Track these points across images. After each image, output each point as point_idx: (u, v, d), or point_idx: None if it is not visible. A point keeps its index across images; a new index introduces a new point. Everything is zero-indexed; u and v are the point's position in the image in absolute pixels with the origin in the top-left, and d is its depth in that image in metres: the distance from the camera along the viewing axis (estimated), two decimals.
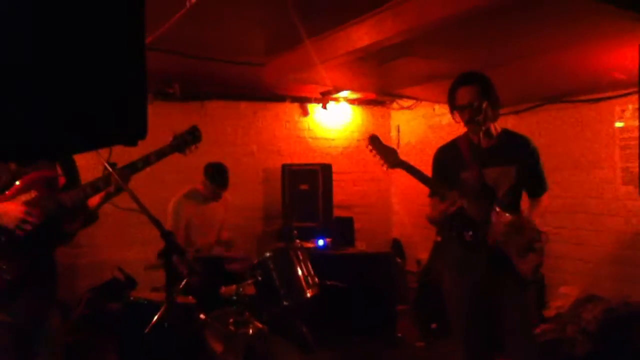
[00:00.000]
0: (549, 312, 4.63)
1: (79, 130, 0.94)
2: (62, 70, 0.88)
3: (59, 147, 1.10)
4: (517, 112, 5.36)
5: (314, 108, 6.60)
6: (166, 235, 2.26)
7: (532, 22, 3.31)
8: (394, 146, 2.89)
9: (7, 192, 2.30)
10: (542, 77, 4.59)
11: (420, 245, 6.22)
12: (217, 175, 4.29)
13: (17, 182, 2.32)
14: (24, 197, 2.30)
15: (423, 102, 6.52)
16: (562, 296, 4.77)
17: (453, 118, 2.92)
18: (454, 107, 2.87)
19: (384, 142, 2.88)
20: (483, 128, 2.77)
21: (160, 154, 2.61)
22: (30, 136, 0.91)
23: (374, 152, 2.83)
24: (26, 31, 0.86)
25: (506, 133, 2.94)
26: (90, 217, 2.59)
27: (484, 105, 2.77)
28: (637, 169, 4.15)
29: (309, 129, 6.63)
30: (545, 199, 2.99)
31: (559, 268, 5.01)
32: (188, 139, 2.74)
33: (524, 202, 2.96)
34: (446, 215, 2.76)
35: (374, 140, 2.85)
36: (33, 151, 1.08)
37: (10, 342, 2.25)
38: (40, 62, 0.86)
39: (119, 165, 2.46)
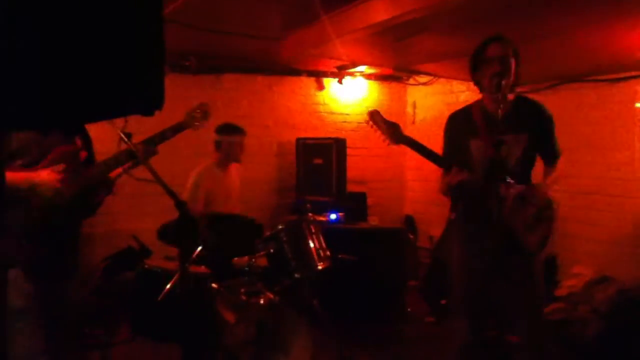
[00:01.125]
0: (561, 292, 4.63)
1: (96, 99, 0.95)
2: (81, 39, 0.89)
3: (77, 115, 1.12)
4: (537, 91, 5.29)
5: (330, 82, 6.57)
6: (180, 204, 2.29)
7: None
8: (410, 122, 2.85)
9: (38, 166, 2.34)
10: (563, 56, 4.51)
11: (434, 222, 6.22)
12: (224, 128, 4.33)
13: (50, 153, 2.36)
14: (55, 169, 2.34)
15: (440, 79, 6.46)
16: (575, 276, 4.76)
17: (476, 79, 2.86)
18: (482, 61, 2.78)
19: (399, 117, 2.86)
20: (504, 85, 2.68)
21: (176, 129, 2.69)
22: (48, 104, 0.92)
23: (374, 127, 2.79)
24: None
25: (519, 100, 2.89)
26: (109, 188, 2.63)
27: (513, 62, 2.72)
28: None
29: (324, 104, 6.61)
30: (559, 164, 2.94)
31: (573, 248, 4.99)
32: (195, 115, 2.81)
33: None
34: (451, 187, 2.75)
35: (373, 116, 2.79)
36: (51, 119, 1.10)
37: (37, 310, 2.30)
38: (59, 30, 0.87)
39: (135, 136, 2.48)
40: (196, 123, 2.80)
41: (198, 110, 2.82)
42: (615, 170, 4.89)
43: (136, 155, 2.46)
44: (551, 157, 2.93)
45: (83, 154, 2.51)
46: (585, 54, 4.38)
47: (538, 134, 2.82)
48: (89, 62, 0.91)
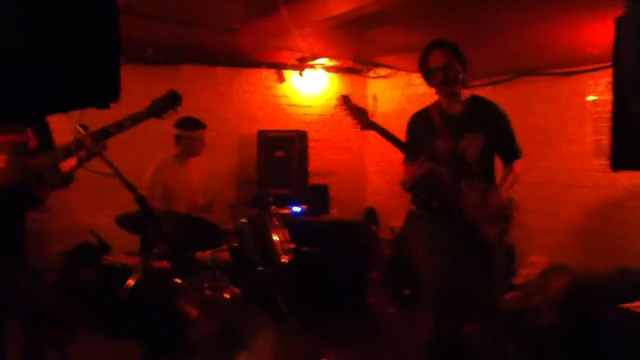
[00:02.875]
0: (518, 280, 4.74)
1: (51, 92, 0.93)
2: (33, 31, 0.87)
3: (31, 109, 1.09)
4: (492, 84, 5.39)
5: (291, 75, 6.55)
6: (139, 198, 2.26)
7: None
8: (370, 115, 2.88)
9: None
10: (517, 50, 4.61)
11: (395, 214, 6.28)
12: (184, 122, 4.21)
13: None
14: None
15: (400, 72, 6.51)
16: (531, 265, 4.88)
17: (428, 84, 2.94)
18: (427, 71, 2.89)
19: None
20: (454, 90, 2.79)
21: (135, 119, 2.54)
22: (3, 96, 0.90)
23: (347, 112, 2.83)
24: None
25: (475, 99, 2.98)
26: (63, 180, 2.54)
27: (456, 68, 2.79)
28: (607, 142, 4.23)
29: (285, 96, 6.59)
30: (518, 166, 3.02)
31: (529, 238, 5.11)
32: (167, 104, 2.68)
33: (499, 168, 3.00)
34: (415, 178, 2.79)
35: (345, 100, 2.85)
36: (4, 112, 1.07)
37: None
38: (12, 22, 0.85)
39: (92, 128, 2.42)
40: (164, 114, 2.68)
41: (167, 100, 2.69)
42: (568, 161, 5.03)
43: (84, 146, 2.37)
44: (509, 156, 3.01)
45: (32, 144, 2.42)
46: (538, 48, 4.48)
47: (494, 133, 2.90)
48: (43, 54, 0.89)
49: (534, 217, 5.13)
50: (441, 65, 2.81)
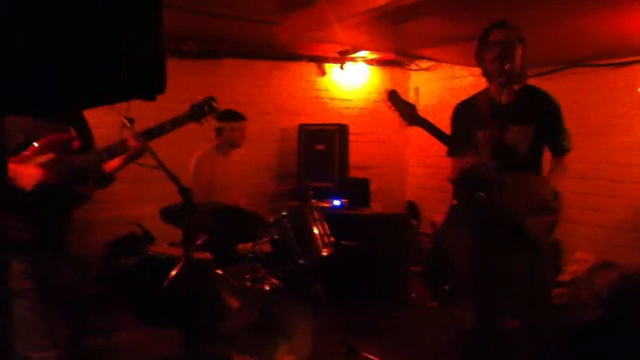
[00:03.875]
0: (564, 277, 4.64)
1: (97, 83, 0.94)
2: (80, 22, 0.88)
3: (77, 100, 1.11)
4: (538, 75, 5.25)
5: (332, 68, 6.53)
6: (183, 190, 2.29)
7: None
8: None
9: (24, 152, 2.31)
10: (565, 41, 4.47)
11: (436, 208, 6.22)
12: (225, 114, 4.27)
13: (35, 144, 2.33)
14: (41, 159, 2.32)
15: (442, 64, 6.42)
16: (578, 262, 4.76)
17: (479, 64, 2.84)
18: (484, 46, 2.77)
19: None
20: (507, 69, 2.65)
21: (177, 123, 2.61)
22: (48, 88, 0.91)
23: (392, 108, 2.77)
24: None
25: (527, 89, 2.85)
26: (105, 179, 2.61)
27: (518, 48, 2.70)
28: None
29: (326, 89, 6.58)
30: (567, 159, 2.92)
31: (575, 234, 4.98)
32: (205, 109, 2.72)
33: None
34: (461, 173, 2.73)
35: (392, 95, 2.78)
36: (50, 103, 1.09)
37: (34, 290, 2.32)
38: (59, 14, 0.86)
39: (137, 121, 2.46)
40: (203, 119, 2.73)
41: (205, 104, 2.73)
42: (617, 155, 4.87)
43: (131, 147, 2.44)
44: (559, 149, 2.90)
45: (76, 143, 2.48)
46: (588, 38, 4.34)
47: (545, 126, 2.79)
48: (90, 46, 0.90)
49: (581, 213, 4.99)
50: (501, 39, 2.69)
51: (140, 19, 0.94)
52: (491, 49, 2.73)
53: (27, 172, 2.26)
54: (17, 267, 2.26)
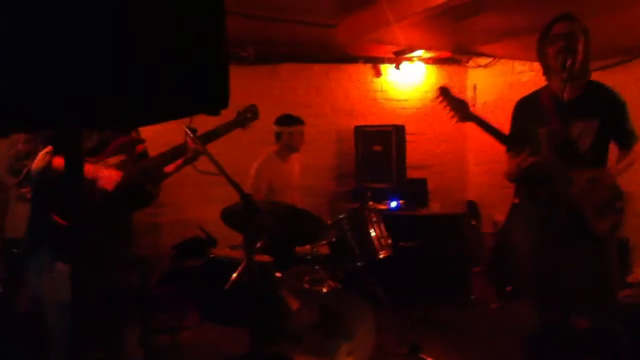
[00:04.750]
0: (635, 277, 4.45)
1: (165, 100, 0.98)
2: (145, 39, 0.92)
3: (146, 116, 1.16)
4: (604, 68, 5.06)
5: (387, 68, 6.50)
6: (245, 197, 2.35)
7: None
8: (471, 106, 2.79)
9: (99, 156, 2.41)
10: (632, 30, 4.29)
11: (497, 207, 6.09)
12: (283, 119, 4.40)
13: (112, 143, 2.44)
14: (114, 160, 2.42)
15: (501, 60, 6.27)
16: None
17: (540, 60, 2.78)
18: (547, 39, 2.70)
19: None
20: (570, 64, 2.57)
21: (227, 128, 2.77)
22: (118, 105, 0.96)
23: (444, 103, 2.76)
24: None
25: (591, 84, 2.77)
26: (161, 180, 2.70)
27: (582, 41, 2.62)
28: None
29: (382, 90, 6.55)
30: (637, 149, 2.80)
31: None
32: (247, 116, 2.92)
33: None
34: (520, 170, 2.68)
35: (444, 92, 2.77)
36: (124, 119, 1.15)
37: (96, 299, 2.40)
38: (127, 32, 0.90)
39: (200, 128, 2.55)
40: (246, 124, 2.92)
41: (248, 111, 2.93)
42: None
43: (190, 150, 2.54)
44: (625, 143, 2.81)
45: (139, 147, 2.59)
46: None
47: (610, 121, 2.71)
48: (156, 62, 0.94)
49: None
50: (564, 32, 2.63)
51: (205, 35, 0.97)
52: (554, 42, 2.66)
53: (107, 174, 2.35)
54: (64, 269, 2.27)
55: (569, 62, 2.60)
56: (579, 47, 2.62)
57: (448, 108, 2.75)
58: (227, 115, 2.65)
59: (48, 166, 2.25)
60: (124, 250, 2.61)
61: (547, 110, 2.74)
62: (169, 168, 2.67)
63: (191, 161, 2.62)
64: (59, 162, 2.25)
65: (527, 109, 2.88)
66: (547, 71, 2.80)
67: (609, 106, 2.73)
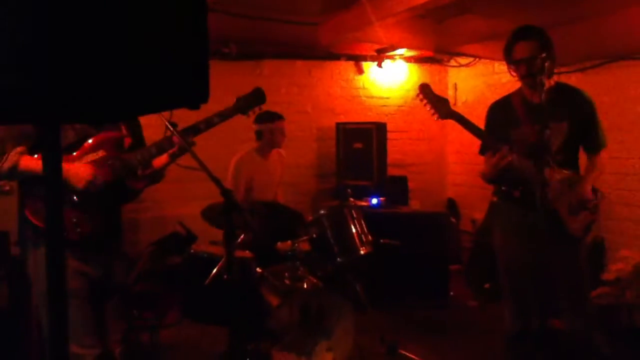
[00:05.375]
0: (608, 276, 4.53)
1: (143, 93, 0.98)
2: (125, 33, 0.91)
3: (124, 110, 1.15)
4: (582, 70, 5.14)
5: (369, 66, 6.53)
6: (225, 192, 2.34)
7: None
8: (451, 104, 2.81)
9: (75, 153, 2.38)
10: (609, 35, 4.36)
11: (476, 205, 6.15)
12: (262, 116, 4.12)
13: (89, 141, 2.40)
14: (92, 157, 2.39)
15: (482, 60, 6.33)
16: (623, 259, 4.64)
17: (509, 72, 2.85)
18: (510, 62, 2.80)
19: None
20: (538, 81, 2.67)
21: (224, 116, 2.64)
22: (97, 99, 0.95)
23: (424, 101, 2.78)
24: None
25: (560, 87, 2.86)
26: (155, 176, 2.68)
27: (542, 59, 2.68)
28: None
29: (363, 88, 6.58)
30: (603, 157, 2.89)
31: (621, 231, 4.87)
32: (251, 102, 2.75)
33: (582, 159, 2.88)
34: (498, 170, 2.71)
35: (424, 89, 2.79)
36: (100, 114, 1.14)
37: (87, 290, 2.39)
38: (102, 24, 0.90)
39: (180, 123, 2.53)
40: (250, 110, 2.77)
41: (252, 97, 2.77)
42: None
43: (175, 143, 2.49)
44: (594, 146, 2.88)
45: (127, 141, 2.55)
46: (633, 32, 4.23)
47: (579, 122, 2.78)
48: (135, 56, 0.94)
49: (626, 210, 4.87)
50: (526, 57, 2.71)
51: (185, 30, 0.97)
52: (517, 67, 2.77)
53: (77, 171, 2.31)
54: (71, 265, 2.31)
55: (537, 80, 2.68)
56: (543, 63, 2.68)
57: (429, 106, 2.77)
58: (214, 112, 2.67)
59: (16, 166, 2.25)
60: (115, 245, 2.60)
61: (519, 113, 2.82)
62: (158, 163, 2.65)
63: (180, 155, 2.58)
64: (26, 162, 2.26)
65: (499, 112, 2.94)
66: (520, 78, 2.86)
67: (578, 107, 2.81)
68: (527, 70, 2.71)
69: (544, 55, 2.68)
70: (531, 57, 2.69)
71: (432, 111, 2.76)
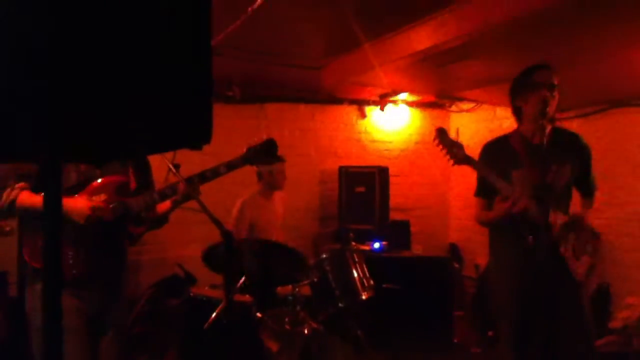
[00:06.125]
0: (615, 324, 4.45)
1: (146, 134, 0.97)
2: (129, 75, 0.92)
3: (126, 150, 1.15)
4: (584, 116, 5.18)
5: (372, 111, 6.58)
6: (226, 234, 2.32)
7: (599, 22, 3.20)
8: None
9: (77, 195, 2.37)
10: (609, 80, 4.42)
11: (479, 250, 6.09)
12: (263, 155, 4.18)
13: (93, 184, 2.40)
14: (94, 200, 2.38)
15: (483, 106, 6.40)
16: (629, 307, 4.57)
17: (514, 105, 2.83)
18: (528, 85, 2.73)
19: None
20: (548, 111, 2.67)
21: (232, 166, 2.59)
22: (98, 139, 0.95)
23: (440, 145, 2.74)
24: (96, 33, 0.90)
25: (558, 130, 2.87)
26: (158, 221, 2.67)
27: (558, 91, 2.69)
28: None
29: (366, 132, 6.62)
30: (596, 199, 2.92)
31: (626, 277, 4.80)
32: (262, 156, 2.66)
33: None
34: (509, 214, 2.64)
35: (441, 134, 2.75)
36: (101, 153, 1.14)
37: (83, 325, 2.36)
38: (105, 63, 0.90)
39: (183, 164, 2.53)
40: (259, 162, 2.68)
41: (263, 150, 2.66)
42: None
43: (179, 191, 2.48)
44: (589, 189, 2.91)
45: (132, 186, 2.55)
46: (634, 77, 4.28)
47: (579, 166, 2.79)
48: (139, 97, 0.94)
49: (630, 256, 4.82)
50: (549, 82, 2.68)
51: (190, 70, 0.98)
52: (537, 89, 2.70)
53: (78, 206, 2.30)
54: (69, 302, 2.29)
55: (548, 110, 2.67)
56: (556, 97, 2.70)
57: (445, 150, 2.73)
58: (216, 154, 2.67)
59: (13, 201, 2.27)
60: (113, 285, 2.56)
61: (519, 154, 2.79)
62: (161, 208, 2.64)
63: (183, 202, 2.57)
64: (24, 198, 2.27)
65: (497, 152, 2.90)
66: (519, 114, 2.85)
67: (577, 150, 2.83)
68: (549, 93, 2.67)
69: (558, 89, 2.68)
70: (554, 83, 2.69)
71: (448, 156, 2.71)
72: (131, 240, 2.62)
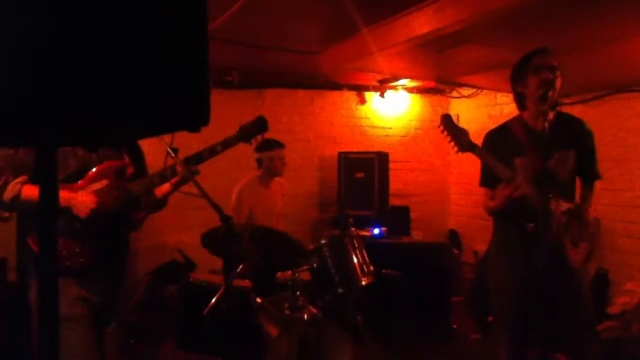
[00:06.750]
0: (614, 309, 4.47)
1: (143, 116, 0.96)
2: (126, 57, 0.91)
3: (124, 133, 1.14)
4: (584, 102, 5.16)
5: (372, 96, 6.56)
6: (225, 219, 2.31)
7: (601, 7, 3.17)
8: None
9: (79, 182, 2.37)
10: (611, 65, 4.38)
11: (478, 236, 6.11)
12: (262, 145, 4.08)
13: (93, 170, 2.40)
14: (96, 186, 2.38)
15: (484, 91, 6.37)
16: (628, 293, 4.58)
17: (515, 90, 2.80)
18: (529, 68, 2.70)
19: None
20: (550, 95, 2.63)
21: (227, 144, 2.63)
22: (96, 122, 0.94)
23: (445, 132, 2.70)
24: (93, 18, 0.89)
25: (561, 116, 2.82)
26: (157, 204, 2.67)
27: (560, 75, 2.65)
28: None
29: (366, 117, 6.60)
30: (596, 187, 2.87)
31: (626, 263, 4.81)
32: (254, 130, 2.74)
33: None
34: (510, 201, 2.62)
35: (446, 120, 2.71)
36: (99, 136, 1.13)
37: (88, 316, 2.36)
38: (101, 46, 0.89)
39: (181, 150, 2.52)
40: (252, 139, 2.75)
41: (254, 126, 2.76)
42: None
43: (177, 172, 2.48)
44: (592, 177, 2.86)
45: (130, 170, 2.54)
46: (634, 63, 4.25)
47: (582, 151, 2.75)
48: (136, 79, 0.93)
49: (632, 242, 4.82)
50: (550, 64, 2.65)
51: (186, 52, 0.96)
52: (538, 72, 2.66)
53: (82, 200, 2.30)
54: (72, 292, 2.30)
55: (550, 94, 2.64)
56: (558, 81, 2.66)
57: (449, 137, 2.69)
58: (216, 140, 2.66)
59: (17, 196, 2.27)
60: (117, 273, 2.57)
61: (521, 141, 2.75)
62: (161, 191, 2.64)
63: (182, 184, 2.58)
64: (28, 191, 2.27)
65: (499, 140, 2.86)
66: (521, 100, 2.82)
67: (581, 137, 2.78)
68: (550, 76, 2.64)
69: (560, 74, 2.65)
70: (555, 65, 2.65)
71: (452, 143, 2.67)
72: (133, 225, 2.62)
